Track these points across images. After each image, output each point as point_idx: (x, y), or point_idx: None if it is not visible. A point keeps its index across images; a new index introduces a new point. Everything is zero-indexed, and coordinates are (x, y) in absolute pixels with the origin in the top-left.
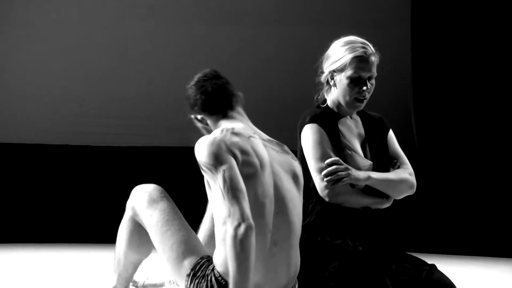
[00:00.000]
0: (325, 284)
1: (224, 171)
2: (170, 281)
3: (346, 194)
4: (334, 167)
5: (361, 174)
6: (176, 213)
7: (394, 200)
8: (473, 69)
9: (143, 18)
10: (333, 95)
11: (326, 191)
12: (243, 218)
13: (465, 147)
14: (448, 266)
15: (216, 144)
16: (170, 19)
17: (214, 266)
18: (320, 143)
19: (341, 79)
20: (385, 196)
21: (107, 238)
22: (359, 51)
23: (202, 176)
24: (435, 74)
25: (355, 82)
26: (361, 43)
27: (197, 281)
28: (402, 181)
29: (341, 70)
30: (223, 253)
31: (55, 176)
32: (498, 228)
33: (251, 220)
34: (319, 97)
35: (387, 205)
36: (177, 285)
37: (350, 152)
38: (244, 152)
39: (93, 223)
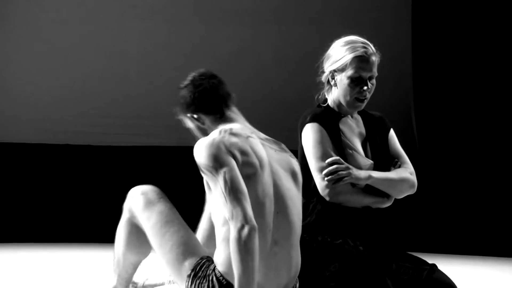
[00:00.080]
0: (326, 284)
1: (224, 173)
2: (169, 281)
3: (347, 193)
4: (335, 166)
5: (362, 174)
6: (174, 214)
7: (395, 199)
8: (473, 69)
9: (143, 18)
10: (334, 95)
11: (327, 190)
12: (246, 220)
13: (466, 147)
14: (448, 266)
15: (216, 145)
16: (170, 19)
17: (215, 266)
18: (320, 143)
19: (342, 79)
20: (386, 196)
21: (108, 237)
22: (360, 51)
23: (202, 176)
24: (435, 74)
25: (356, 82)
26: (362, 43)
27: (198, 281)
28: (403, 181)
29: (341, 70)
30: (224, 253)
31: (56, 175)
32: (499, 227)
33: (254, 222)
34: (319, 96)
35: (388, 204)
36: (177, 285)
37: (351, 151)
38: (243, 152)
39: (94, 223)
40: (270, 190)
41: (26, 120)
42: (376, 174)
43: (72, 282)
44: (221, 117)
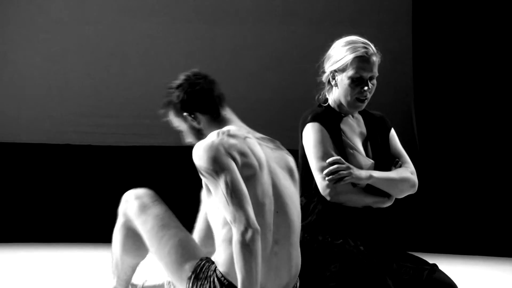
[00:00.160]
0: (326, 283)
1: (225, 176)
2: (168, 283)
3: (348, 193)
4: (335, 166)
5: (363, 173)
6: (169, 217)
7: (396, 199)
8: (474, 69)
9: (143, 18)
10: (335, 95)
11: (328, 190)
12: (249, 223)
13: (466, 147)
14: (449, 266)
15: (215, 148)
16: (171, 19)
17: (215, 267)
18: (321, 142)
19: (343, 79)
20: (387, 195)
21: (107, 237)
22: (361, 51)
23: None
24: (436, 74)
25: (357, 82)
26: (363, 43)
27: (199, 283)
28: (403, 180)
29: (342, 70)
30: (225, 254)
31: (57, 175)
32: (500, 227)
33: (257, 225)
34: (320, 96)
35: (388, 204)
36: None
37: (351, 151)
38: (242, 154)
39: (94, 223)
40: (269, 190)
41: (26, 120)
42: (377, 173)
43: (72, 282)
44: (217, 117)
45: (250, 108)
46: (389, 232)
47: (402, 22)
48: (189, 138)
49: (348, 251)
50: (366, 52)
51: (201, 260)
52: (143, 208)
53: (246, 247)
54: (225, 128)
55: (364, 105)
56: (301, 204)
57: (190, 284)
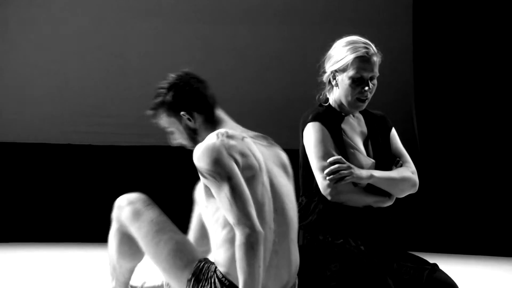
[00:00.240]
0: (327, 283)
1: (229, 178)
2: (167, 284)
3: (349, 192)
4: (336, 165)
5: (364, 173)
6: (164, 221)
7: (396, 198)
8: (475, 69)
9: (143, 18)
10: (335, 95)
11: (329, 189)
12: (253, 226)
13: (467, 147)
14: (450, 266)
15: (217, 150)
16: (171, 19)
17: (215, 267)
18: (322, 142)
19: (343, 79)
20: (388, 195)
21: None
22: (361, 51)
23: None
24: (436, 73)
25: (357, 82)
26: (363, 43)
27: (199, 284)
28: (404, 180)
29: (343, 70)
30: (226, 254)
31: (57, 175)
32: (500, 227)
33: (260, 227)
34: (321, 96)
35: (389, 203)
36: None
37: (352, 150)
38: (243, 155)
39: (94, 222)
40: (268, 189)
41: (26, 120)
42: (378, 173)
43: (72, 282)
44: (212, 117)
45: (250, 108)
46: (390, 232)
47: (402, 22)
48: (180, 139)
49: (348, 251)
50: (367, 52)
51: (200, 261)
52: (136, 214)
53: (251, 249)
54: (223, 130)
55: (364, 105)
56: (301, 204)
57: (191, 287)
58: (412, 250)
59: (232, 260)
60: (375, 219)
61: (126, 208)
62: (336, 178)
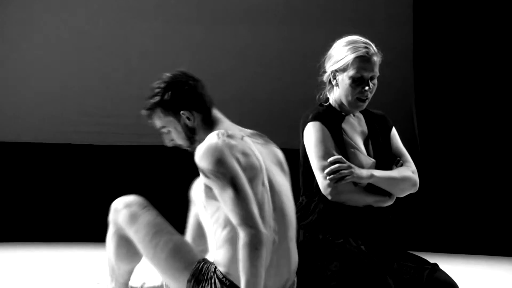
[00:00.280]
0: (327, 283)
1: (232, 178)
2: (166, 285)
3: (349, 192)
4: (336, 165)
5: (364, 172)
6: (161, 223)
7: (397, 198)
8: (475, 68)
9: (143, 18)
10: (335, 95)
11: (329, 189)
12: (257, 226)
13: (467, 146)
14: (450, 265)
15: (220, 150)
16: (171, 19)
17: (215, 267)
18: (322, 141)
19: (343, 79)
20: (388, 194)
21: None
22: (362, 51)
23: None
24: (437, 73)
25: (357, 82)
26: (364, 43)
27: (200, 285)
28: (404, 179)
29: (343, 70)
30: (226, 254)
31: (57, 175)
32: (501, 227)
33: (263, 228)
34: (321, 96)
35: (389, 203)
36: None
37: (353, 150)
38: (245, 154)
39: (94, 222)
40: (267, 188)
41: (26, 120)
42: (378, 172)
43: (72, 282)
44: (209, 116)
45: (250, 108)
46: (390, 232)
47: (402, 22)
48: (177, 139)
49: (349, 251)
50: (367, 52)
51: (199, 262)
52: (133, 217)
53: (255, 250)
54: (222, 129)
55: (365, 105)
56: (302, 203)
57: (191, 287)
58: (412, 250)
59: (232, 260)
60: (376, 218)
61: (122, 211)
62: (336, 178)
